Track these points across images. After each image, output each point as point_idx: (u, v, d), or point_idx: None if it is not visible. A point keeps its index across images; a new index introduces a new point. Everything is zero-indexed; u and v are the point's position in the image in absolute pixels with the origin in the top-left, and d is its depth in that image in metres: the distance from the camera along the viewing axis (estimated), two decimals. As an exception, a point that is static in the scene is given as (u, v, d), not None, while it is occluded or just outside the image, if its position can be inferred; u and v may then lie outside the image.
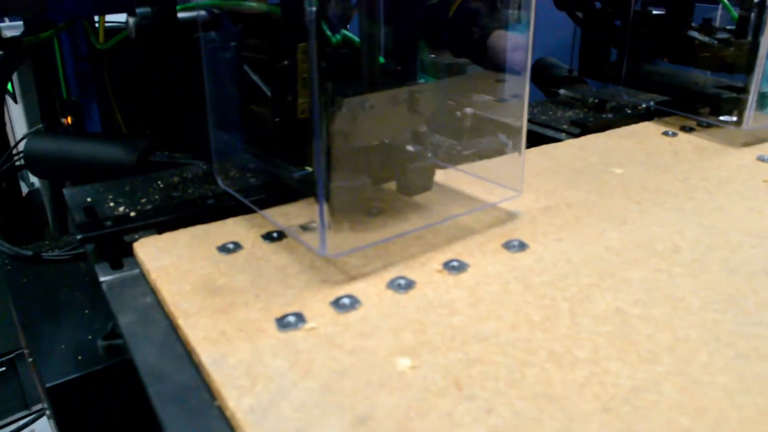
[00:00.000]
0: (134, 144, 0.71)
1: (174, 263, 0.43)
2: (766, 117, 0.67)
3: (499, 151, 0.55)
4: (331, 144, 0.39)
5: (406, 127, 0.49)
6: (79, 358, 0.57)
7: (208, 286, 0.40)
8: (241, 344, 0.34)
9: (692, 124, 0.71)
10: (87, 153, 0.72)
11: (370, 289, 0.39)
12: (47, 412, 0.50)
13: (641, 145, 0.65)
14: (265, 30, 0.48)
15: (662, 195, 0.53)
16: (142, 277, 0.44)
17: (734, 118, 0.65)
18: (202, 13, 0.53)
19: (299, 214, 0.49)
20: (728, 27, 0.75)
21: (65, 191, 0.58)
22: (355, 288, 0.39)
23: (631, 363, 0.33)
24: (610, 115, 0.74)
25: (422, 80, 0.62)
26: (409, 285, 0.40)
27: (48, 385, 0.48)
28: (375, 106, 0.46)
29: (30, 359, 0.53)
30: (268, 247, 0.45)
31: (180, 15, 0.54)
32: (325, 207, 0.40)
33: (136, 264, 0.46)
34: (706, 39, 0.73)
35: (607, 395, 0.30)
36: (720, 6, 0.79)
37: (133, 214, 0.49)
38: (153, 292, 0.42)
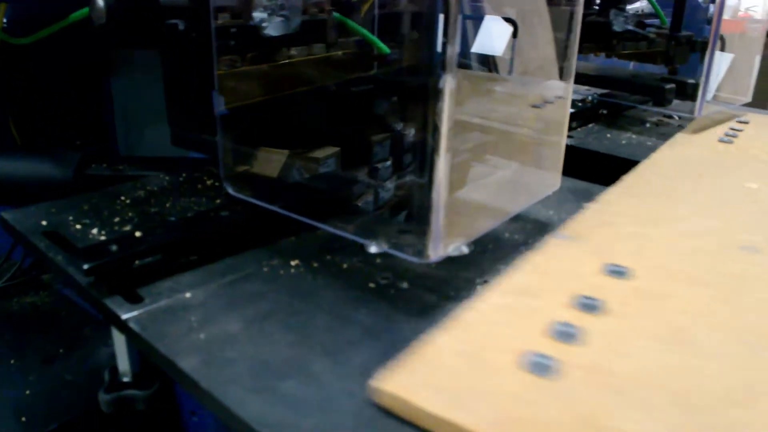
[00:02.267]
0: (65, 157, 0.59)
1: (492, 410, 0.26)
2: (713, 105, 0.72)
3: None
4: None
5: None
6: (23, 419, 0.48)
7: None
8: None
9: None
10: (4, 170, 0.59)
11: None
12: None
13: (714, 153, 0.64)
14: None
15: None
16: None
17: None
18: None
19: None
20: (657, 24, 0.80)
21: (6, 215, 0.47)
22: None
23: None
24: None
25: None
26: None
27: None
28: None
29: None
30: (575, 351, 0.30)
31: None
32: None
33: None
34: (644, 33, 0.77)
35: None
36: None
37: (138, 234, 0.40)
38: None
